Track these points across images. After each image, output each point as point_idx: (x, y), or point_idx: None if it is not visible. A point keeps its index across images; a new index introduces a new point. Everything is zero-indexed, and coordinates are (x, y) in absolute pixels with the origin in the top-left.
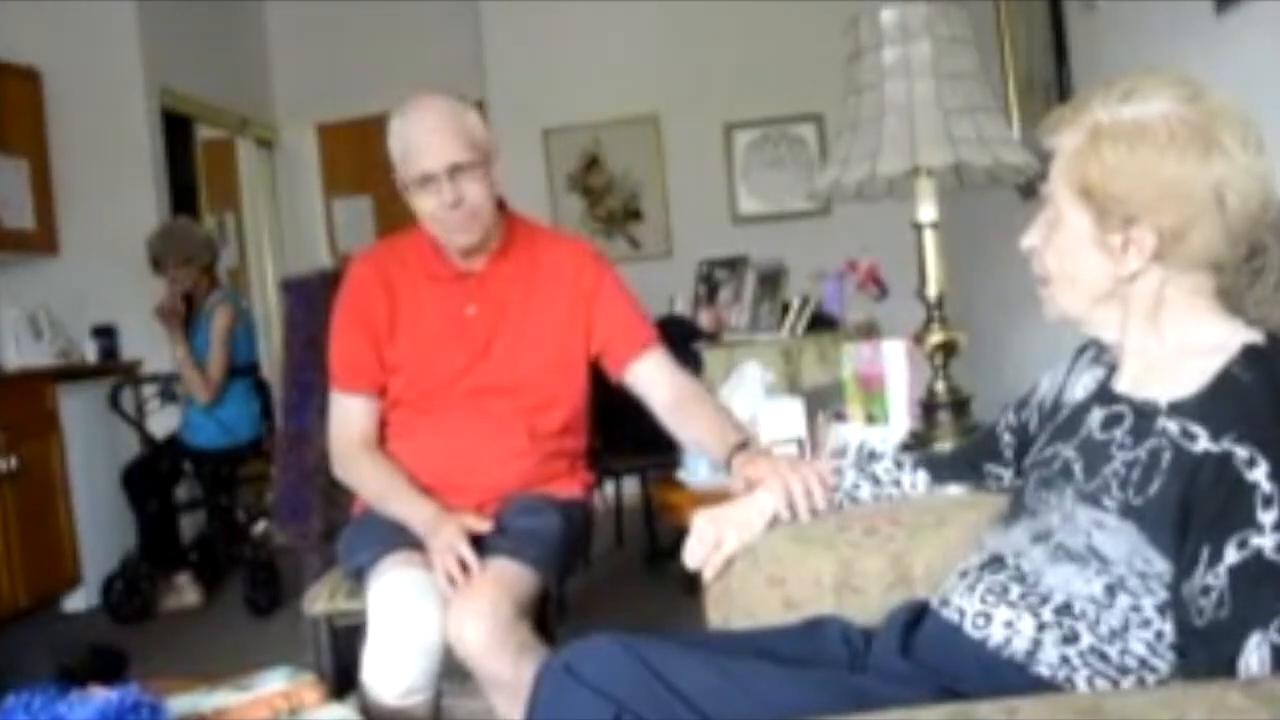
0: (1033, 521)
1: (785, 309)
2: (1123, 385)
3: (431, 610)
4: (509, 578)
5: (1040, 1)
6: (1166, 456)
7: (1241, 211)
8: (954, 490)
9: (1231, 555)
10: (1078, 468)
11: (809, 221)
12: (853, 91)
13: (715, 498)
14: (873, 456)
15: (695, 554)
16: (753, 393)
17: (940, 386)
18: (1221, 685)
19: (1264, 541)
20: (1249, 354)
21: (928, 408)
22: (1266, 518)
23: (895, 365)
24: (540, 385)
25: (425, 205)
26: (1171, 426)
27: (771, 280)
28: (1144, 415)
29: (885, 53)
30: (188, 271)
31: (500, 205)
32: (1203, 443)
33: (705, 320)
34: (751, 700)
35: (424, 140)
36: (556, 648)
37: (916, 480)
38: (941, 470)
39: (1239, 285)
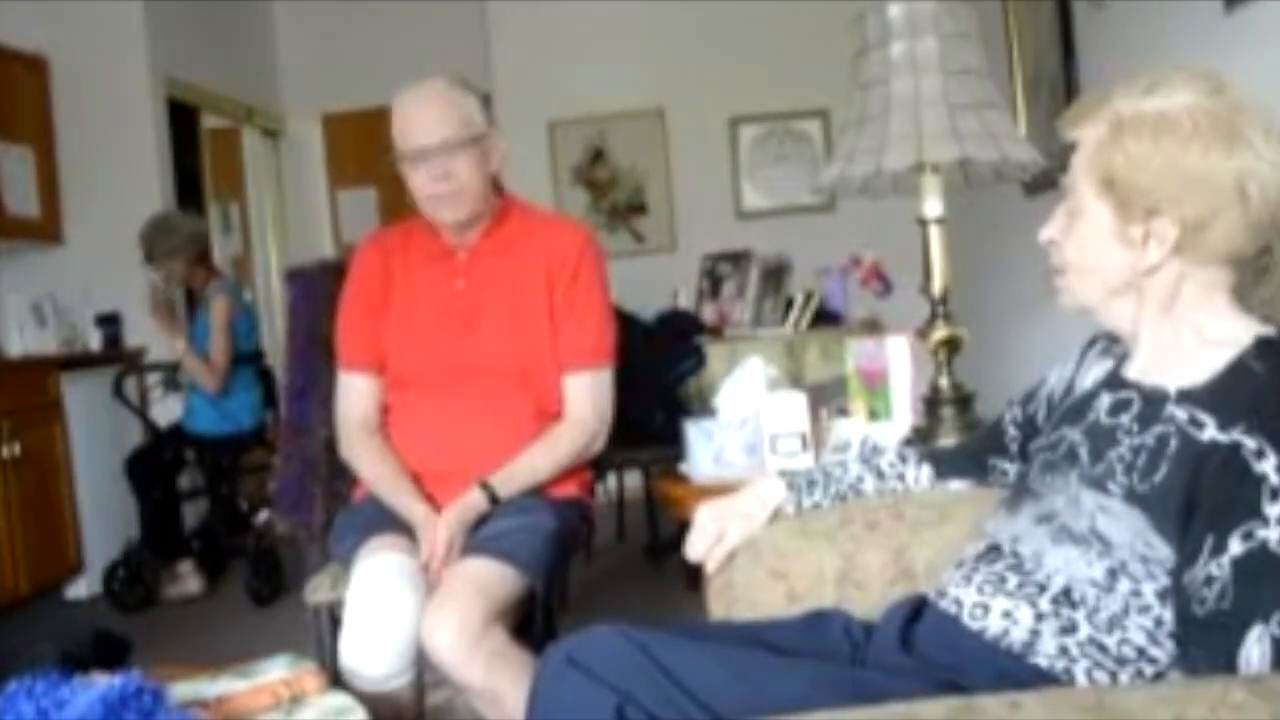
0: (1036, 504)
1: (789, 304)
2: (1133, 372)
3: (406, 594)
4: (487, 580)
5: None
6: (1173, 444)
7: (1263, 204)
8: (957, 485)
9: (1236, 546)
10: (1084, 452)
11: (813, 217)
12: (859, 87)
13: (718, 491)
14: (876, 450)
15: (697, 547)
16: (756, 387)
17: (944, 382)
18: (1224, 682)
19: (1269, 534)
20: (1262, 346)
21: (931, 404)
22: (1273, 510)
23: (899, 361)
24: (523, 362)
25: (416, 181)
26: (1179, 414)
27: (775, 275)
28: (1152, 401)
29: (892, 48)
30: (174, 264)
31: (498, 189)
32: (1210, 432)
33: (709, 315)
34: (753, 691)
35: (418, 115)
36: (552, 645)
37: (920, 475)
38: (946, 465)
39: (1245, 284)
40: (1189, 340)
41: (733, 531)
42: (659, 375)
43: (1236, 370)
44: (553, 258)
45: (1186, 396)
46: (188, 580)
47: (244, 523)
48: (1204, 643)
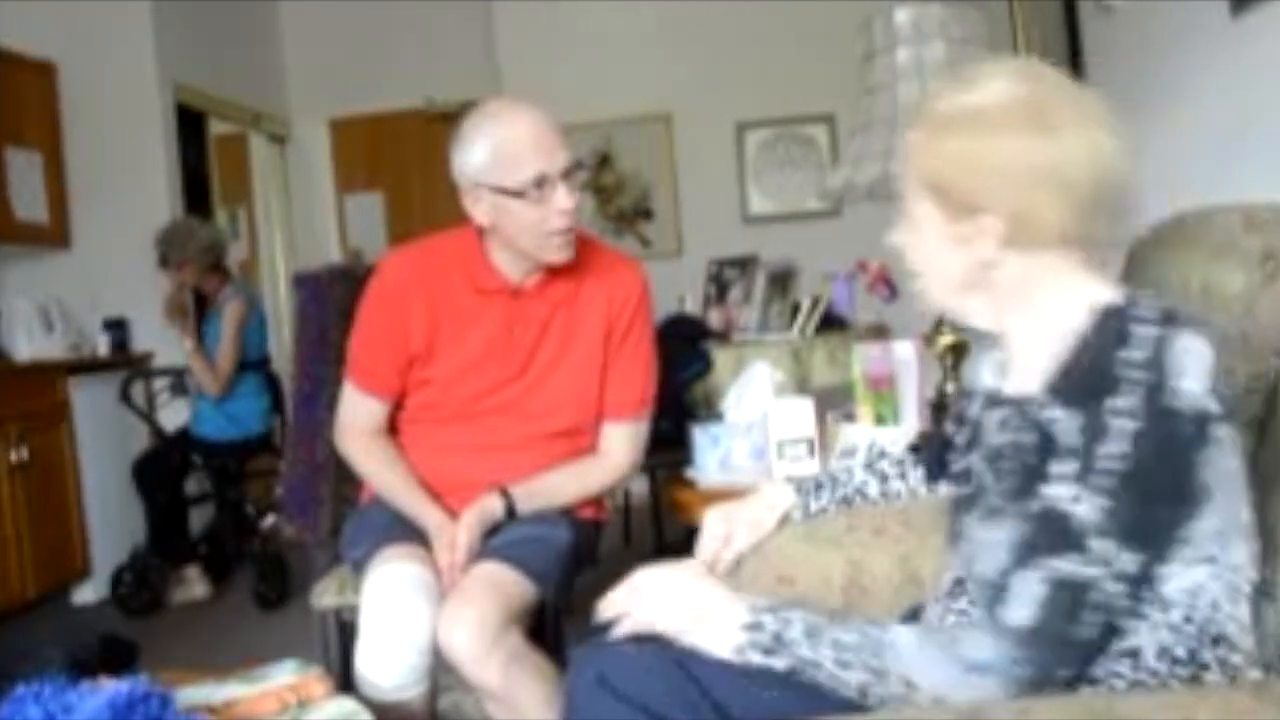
0: (959, 547)
1: (795, 309)
2: (1009, 384)
3: (422, 606)
4: (504, 584)
5: (1055, 3)
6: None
7: (1086, 185)
8: (946, 490)
9: (1034, 506)
10: (987, 480)
11: (820, 222)
12: (865, 92)
13: (724, 495)
14: (883, 456)
15: (706, 552)
16: (762, 393)
17: (950, 387)
18: (1230, 688)
19: (1055, 491)
20: (1101, 317)
21: (937, 408)
22: (1062, 468)
23: (905, 366)
24: (567, 409)
25: (526, 216)
26: (1044, 415)
27: (781, 280)
28: (1023, 408)
29: (899, 53)
30: (190, 270)
31: None
32: (1057, 415)
33: (715, 320)
34: (766, 704)
35: (534, 140)
36: (561, 648)
37: (919, 478)
38: (939, 469)
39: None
40: (1046, 333)
41: (740, 536)
42: (665, 380)
43: (1080, 352)
44: (613, 305)
45: (1049, 393)
46: (194, 585)
47: (250, 527)
48: (982, 596)
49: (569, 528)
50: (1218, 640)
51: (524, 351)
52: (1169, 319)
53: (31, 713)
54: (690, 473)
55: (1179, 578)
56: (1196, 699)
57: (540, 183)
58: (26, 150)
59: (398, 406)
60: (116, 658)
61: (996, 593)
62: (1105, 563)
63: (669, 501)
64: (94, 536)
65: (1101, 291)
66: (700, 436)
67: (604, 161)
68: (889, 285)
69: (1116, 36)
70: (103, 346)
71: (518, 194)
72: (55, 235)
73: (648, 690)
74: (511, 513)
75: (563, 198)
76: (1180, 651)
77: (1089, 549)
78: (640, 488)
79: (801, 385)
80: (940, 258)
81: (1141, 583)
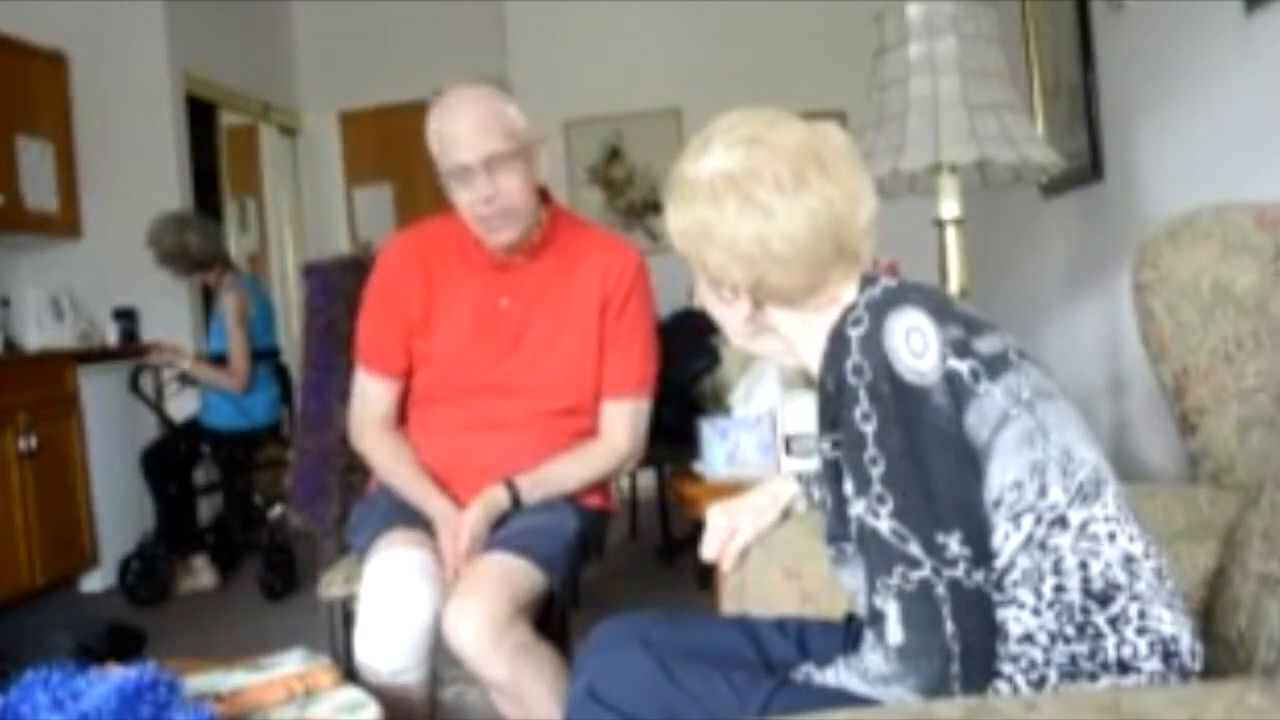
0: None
1: None
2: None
3: (422, 590)
4: (511, 574)
5: (1067, 0)
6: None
7: (794, 252)
8: None
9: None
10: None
11: None
12: (877, 87)
13: (732, 490)
14: None
15: (711, 546)
16: (770, 388)
17: None
18: (1241, 685)
19: (857, 511)
20: (831, 338)
21: None
22: (849, 487)
23: None
24: (564, 386)
25: (462, 199)
26: (825, 445)
27: None
28: (820, 446)
29: (910, 48)
30: (168, 271)
31: (545, 197)
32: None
33: None
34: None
35: (460, 130)
36: (567, 641)
37: None
38: None
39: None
40: (816, 366)
41: (744, 527)
42: (673, 373)
43: (824, 378)
44: (607, 284)
45: (822, 423)
46: (202, 574)
47: (258, 518)
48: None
49: (576, 516)
50: (1105, 599)
51: (513, 324)
52: (875, 307)
53: (40, 698)
54: (697, 467)
55: (1012, 536)
56: (1205, 695)
57: (463, 172)
58: (38, 140)
59: (406, 392)
60: (124, 646)
61: (875, 616)
62: (926, 558)
63: (676, 496)
64: (102, 525)
65: (838, 311)
66: (708, 431)
67: (613, 155)
68: None
69: (1129, 34)
70: (112, 336)
71: (451, 178)
72: (66, 225)
73: (633, 698)
74: (517, 503)
75: (481, 185)
76: (1069, 629)
77: (906, 554)
78: (647, 482)
79: (809, 380)
80: (720, 313)
81: (979, 560)
